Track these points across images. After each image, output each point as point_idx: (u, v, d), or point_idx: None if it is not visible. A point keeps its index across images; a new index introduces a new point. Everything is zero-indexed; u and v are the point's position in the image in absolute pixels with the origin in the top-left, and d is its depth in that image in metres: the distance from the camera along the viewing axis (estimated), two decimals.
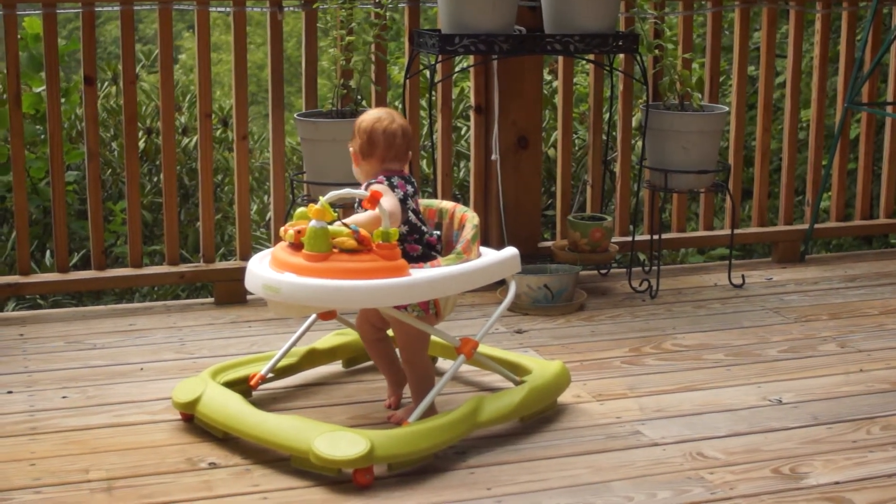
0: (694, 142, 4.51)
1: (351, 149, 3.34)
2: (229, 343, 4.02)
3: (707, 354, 3.94)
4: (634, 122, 5.46)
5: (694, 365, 3.84)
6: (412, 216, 3.28)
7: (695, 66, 4.97)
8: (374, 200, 3.06)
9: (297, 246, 3.08)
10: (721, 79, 5.11)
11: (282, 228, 3.16)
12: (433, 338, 3.35)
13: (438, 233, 3.37)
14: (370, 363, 3.71)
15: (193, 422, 3.30)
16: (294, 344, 3.51)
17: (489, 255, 3.34)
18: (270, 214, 4.74)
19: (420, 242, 3.29)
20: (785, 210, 5.23)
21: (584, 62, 5.80)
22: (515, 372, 3.50)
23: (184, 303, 4.53)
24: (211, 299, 4.52)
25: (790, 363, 3.87)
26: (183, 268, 4.50)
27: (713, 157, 4.58)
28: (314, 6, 4.39)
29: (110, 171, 6.31)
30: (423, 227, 3.32)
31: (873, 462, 3.12)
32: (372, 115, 3.31)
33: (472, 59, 4.66)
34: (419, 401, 3.23)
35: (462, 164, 6.12)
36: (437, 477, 3.01)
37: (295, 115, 4.32)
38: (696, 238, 5.18)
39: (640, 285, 4.65)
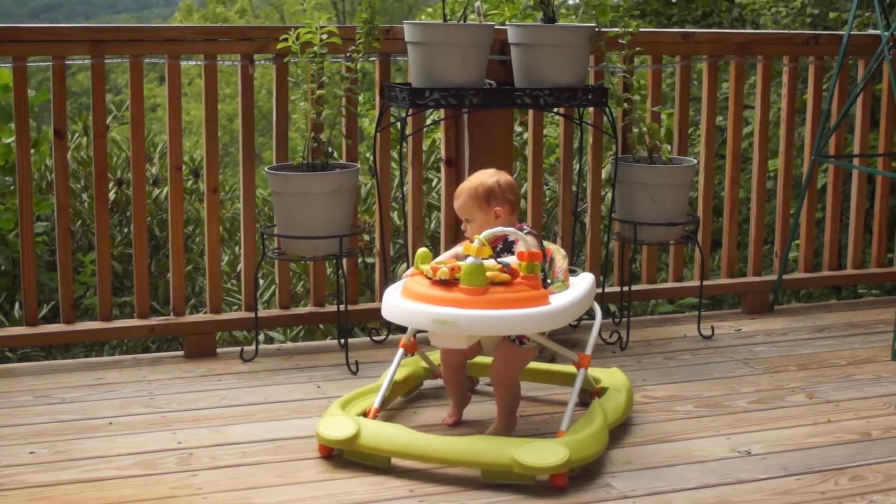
0: (663, 194, 4.53)
1: (497, 208, 3.65)
2: (199, 397, 4.00)
3: (677, 406, 3.95)
4: (604, 174, 5.49)
5: (664, 416, 3.85)
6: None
7: (663, 116, 5.01)
8: (536, 257, 3.38)
9: (445, 282, 3.30)
10: (689, 129, 5.14)
11: (428, 266, 3.42)
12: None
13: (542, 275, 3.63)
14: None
15: (335, 456, 3.44)
16: (393, 377, 3.70)
17: (580, 282, 3.66)
18: (241, 267, 4.73)
19: (545, 285, 3.56)
20: (754, 261, 5.26)
21: (554, 114, 5.83)
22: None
23: (153, 356, 4.51)
24: (181, 352, 4.50)
25: (759, 414, 3.88)
26: (153, 321, 4.49)
27: (682, 209, 4.60)
28: (285, 60, 4.41)
29: (80, 222, 6.30)
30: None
31: None
32: (499, 173, 3.70)
33: (442, 112, 4.68)
34: (506, 414, 3.60)
35: (433, 216, 6.14)
36: None
37: (265, 169, 4.33)
38: (666, 290, 5.19)
39: (611, 337, 4.66)
